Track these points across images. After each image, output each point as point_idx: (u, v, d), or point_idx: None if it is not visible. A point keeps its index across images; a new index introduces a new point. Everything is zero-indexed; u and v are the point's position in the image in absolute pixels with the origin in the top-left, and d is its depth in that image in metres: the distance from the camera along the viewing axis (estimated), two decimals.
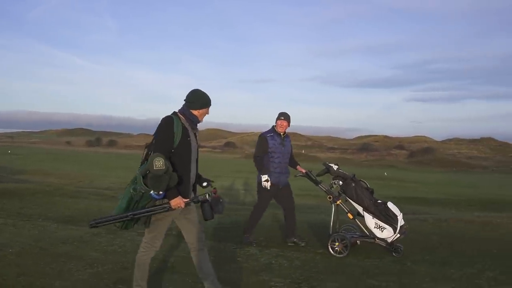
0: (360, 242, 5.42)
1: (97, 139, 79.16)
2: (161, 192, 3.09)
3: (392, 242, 5.13)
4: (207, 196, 3.31)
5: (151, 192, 3.08)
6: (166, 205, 3.17)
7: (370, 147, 70.89)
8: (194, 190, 3.46)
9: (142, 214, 3.19)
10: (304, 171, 5.72)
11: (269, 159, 5.51)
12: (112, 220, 3.22)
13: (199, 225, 3.43)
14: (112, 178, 19.72)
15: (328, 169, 5.56)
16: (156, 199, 3.16)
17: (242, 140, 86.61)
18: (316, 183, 5.64)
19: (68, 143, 75.46)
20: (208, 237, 5.21)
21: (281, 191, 5.60)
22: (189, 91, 3.45)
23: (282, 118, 5.58)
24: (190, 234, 3.41)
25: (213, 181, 3.55)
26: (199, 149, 3.52)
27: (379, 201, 5.30)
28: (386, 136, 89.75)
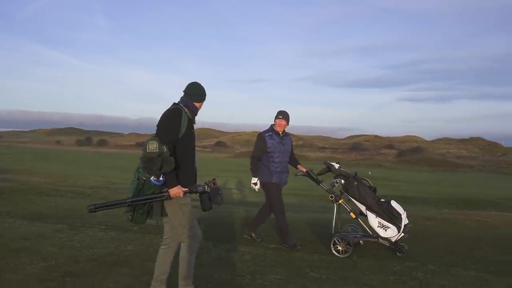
0: (363, 241, 5.36)
1: (87, 138, 78.49)
2: (161, 179, 3.10)
3: (396, 241, 5.05)
4: (206, 187, 3.31)
5: (151, 178, 3.09)
6: (165, 194, 3.18)
7: (361, 146, 71.05)
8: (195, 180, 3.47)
9: (140, 201, 3.21)
10: (305, 170, 5.65)
11: (268, 158, 5.47)
12: (110, 205, 3.29)
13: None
14: (98, 177, 19.69)
15: (330, 168, 5.50)
16: (157, 186, 3.15)
17: (233, 139, 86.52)
18: (317, 182, 5.57)
19: (58, 142, 74.74)
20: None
21: None
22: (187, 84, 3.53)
23: (281, 117, 5.55)
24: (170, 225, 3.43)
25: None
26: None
27: (382, 199, 5.25)
28: (376, 136, 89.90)
